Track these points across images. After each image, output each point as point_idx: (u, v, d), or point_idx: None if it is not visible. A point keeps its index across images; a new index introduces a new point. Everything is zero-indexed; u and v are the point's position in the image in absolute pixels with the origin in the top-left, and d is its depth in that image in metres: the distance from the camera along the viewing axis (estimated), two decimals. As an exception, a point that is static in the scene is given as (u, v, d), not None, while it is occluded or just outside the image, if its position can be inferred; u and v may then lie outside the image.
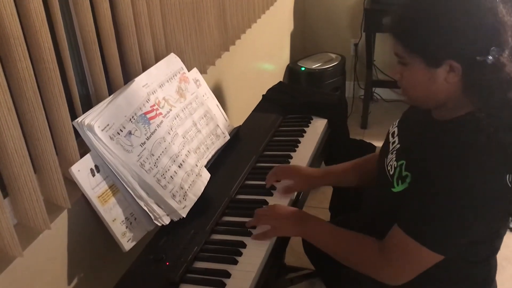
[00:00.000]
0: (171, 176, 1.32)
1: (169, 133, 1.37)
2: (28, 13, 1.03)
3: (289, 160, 1.63)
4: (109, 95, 1.31)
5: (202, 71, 1.80)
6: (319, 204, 2.36)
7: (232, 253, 1.23)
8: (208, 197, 1.42)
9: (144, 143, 1.28)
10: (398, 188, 1.16)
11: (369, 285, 1.22)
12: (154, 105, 1.36)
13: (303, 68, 3.22)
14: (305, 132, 1.80)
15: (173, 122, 1.44)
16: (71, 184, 1.17)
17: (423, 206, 1.09)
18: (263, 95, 2.07)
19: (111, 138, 1.21)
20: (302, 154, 1.67)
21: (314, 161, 1.68)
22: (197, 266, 1.21)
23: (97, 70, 1.29)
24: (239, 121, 1.89)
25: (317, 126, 1.84)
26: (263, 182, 1.50)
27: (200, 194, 1.40)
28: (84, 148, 1.22)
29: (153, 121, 1.32)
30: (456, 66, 1.05)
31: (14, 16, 0.97)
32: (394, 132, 1.34)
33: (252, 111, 1.97)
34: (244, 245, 1.25)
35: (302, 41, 3.66)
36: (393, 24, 1.12)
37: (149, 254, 1.23)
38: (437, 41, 1.05)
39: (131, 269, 1.20)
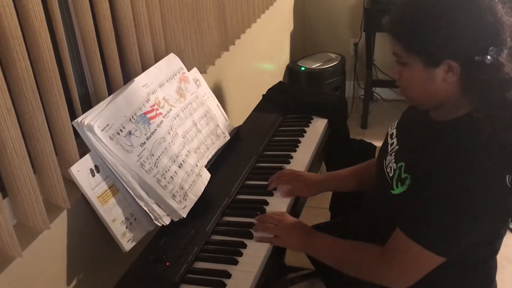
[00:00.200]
0: (171, 176, 1.32)
1: (169, 133, 1.36)
2: (27, 13, 1.02)
3: (289, 160, 1.63)
4: (109, 95, 1.31)
5: (202, 71, 1.80)
6: (319, 204, 2.35)
7: (232, 253, 1.22)
8: (208, 197, 1.42)
9: (144, 143, 1.28)
10: (397, 190, 1.16)
11: (369, 286, 1.22)
12: (154, 105, 1.35)
13: (303, 68, 3.22)
14: (305, 132, 1.79)
15: (173, 122, 1.44)
16: (71, 184, 1.17)
17: (423, 208, 1.09)
18: (263, 95, 2.07)
19: (111, 138, 1.20)
20: (302, 154, 1.67)
21: (314, 161, 1.67)
22: (197, 267, 1.20)
23: (96, 70, 1.29)
24: (239, 121, 1.88)
25: (317, 126, 1.84)
26: (263, 182, 1.50)
27: (200, 194, 1.40)
28: (83, 148, 1.21)
29: (153, 121, 1.32)
30: (455, 66, 1.05)
31: (13, 16, 0.97)
32: (393, 133, 1.33)
33: (252, 111, 1.97)
34: (244, 246, 1.25)
35: (302, 41, 3.66)
36: (391, 24, 1.12)
37: (149, 255, 1.22)
38: (436, 41, 1.05)
39: (131, 270, 1.19)
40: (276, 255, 1.28)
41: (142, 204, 1.26)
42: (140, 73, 1.40)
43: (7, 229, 0.99)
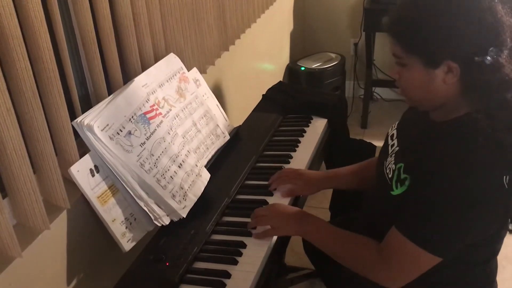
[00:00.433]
0: (171, 176, 1.32)
1: (169, 133, 1.36)
2: (27, 13, 1.02)
3: (289, 160, 1.63)
4: (109, 95, 1.31)
5: (202, 71, 1.80)
6: (319, 204, 2.35)
7: (232, 253, 1.22)
8: (208, 197, 1.42)
9: (144, 143, 1.28)
10: (397, 191, 1.16)
11: (368, 286, 1.22)
12: (153, 105, 1.35)
13: (303, 68, 3.22)
14: (305, 132, 1.79)
15: (173, 122, 1.44)
16: (71, 184, 1.17)
17: (421, 208, 1.09)
18: (263, 95, 2.07)
19: (110, 138, 1.20)
20: (302, 154, 1.67)
21: (314, 161, 1.67)
22: (197, 267, 1.20)
23: (96, 70, 1.29)
24: (239, 121, 1.88)
25: (317, 126, 1.84)
26: (263, 182, 1.50)
27: (200, 194, 1.40)
28: (83, 148, 1.21)
29: (152, 121, 1.32)
30: (454, 66, 1.05)
31: (13, 16, 0.97)
32: (393, 134, 1.33)
33: (252, 111, 1.97)
34: (244, 245, 1.25)
35: (302, 41, 3.66)
36: (391, 24, 1.12)
37: (149, 255, 1.22)
38: (435, 42, 1.04)
39: (131, 270, 1.19)
40: (276, 254, 1.28)
41: (141, 204, 1.26)
42: (140, 73, 1.40)
43: (7, 229, 0.99)
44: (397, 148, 1.26)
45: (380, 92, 3.70)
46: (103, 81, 1.31)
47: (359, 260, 1.21)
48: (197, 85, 1.64)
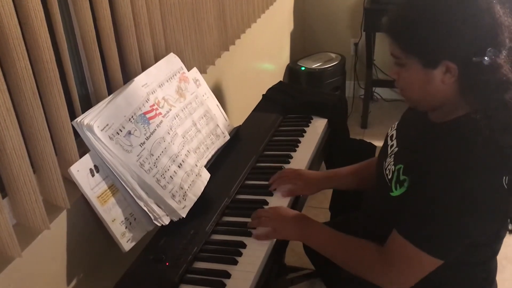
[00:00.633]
0: (170, 176, 1.32)
1: (168, 133, 1.36)
2: (27, 13, 1.02)
3: (289, 160, 1.63)
4: (109, 95, 1.31)
5: (202, 71, 1.80)
6: (319, 204, 2.36)
7: (232, 253, 1.22)
8: (208, 197, 1.42)
9: (144, 143, 1.28)
10: (396, 192, 1.16)
11: (368, 286, 1.22)
12: (153, 105, 1.35)
13: (303, 68, 3.22)
14: (305, 132, 1.79)
15: (172, 122, 1.44)
16: (71, 184, 1.17)
17: (420, 210, 1.09)
18: (263, 95, 2.07)
19: (110, 138, 1.20)
20: (302, 154, 1.67)
21: (314, 161, 1.67)
22: (197, 267, 1.20)
23: (96, 70, 1.29)
24: (239, 121, 1.88)
25: (317, 126, 1.84)
26: (263, 182, 1.50)
27: (200, 194, 1.40)
28: (83, 148, 1.21)
29: (152, 121, 1.32)
30: (453, 67, 1.05)
31: (13, 16, 0.97)
32: (392, 135, 1.33)
33: (252, 111, 1.97)
34: (244, 245, 1.25)
35: (302, 41, 3.66)
36: (389, 24, 1.12)
37: (148, 255, 1.22)
38: (434, 42, 1.04)
39: (131, 270, 1.19)
40: (276, 254, 1.28)
41: (141, 204, 1.26)
42: (140, 73, 1.40)
43: (6, 229, 0.99)
44: (396, 149, 1.26)
45: (380, 92, 3.70)
46: (103, 81, 1.31)
47: (361, 264, 1.21)
48: (197, 85, 1.64)
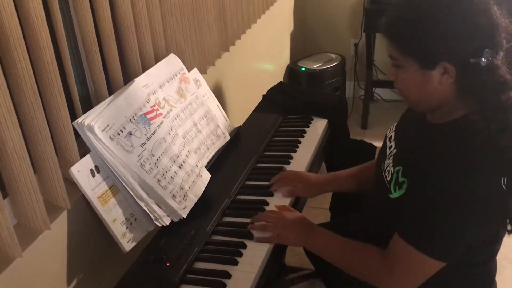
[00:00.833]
0: (171, 177, 1.32)
1: (169, 134, 1.36)
2: (27, 13, 1.02)
3: (290, 160, 1.63)
4: (109, 95, 1.31)
5: (202, 71, 1.80)
6: (320, 204, 2.36)
7: (232, 253, 1.22)
8: (209, 197, 1.42)
9: (144, 143, 1.28)
10: (395, 194, 1.16)
11: (368, 287, 1.22)
12: (154, 106, 1.36)
13: (303, 68, 3.22)
14: (305, 132, 1.79)
15: (173, 122, 1.44)
16: (71, 184, 1.17)
17: (420, 213, 1.09)
18: (263, 95, 2.07)
19: (111, 138, 1.20)
20: (303, 155, 1.67)
21: (315, 161, 1.67)
22: (198, 267, 1.20)
23: (97, 70, 1.29)
24: (239, 121, 1.88)
25: (318, 127, 1.84)
26: (264, 183, 1.50)
27: (200, 194, 1.40)
28: (84, 149, 1.21)
29: (153, 122, 1.32)
30: (450, 68, 1.05)
31: (14, 16, 0.97)
32: (391, 136, 1.33)
33: (253, 111, 1.97)
34: (244, 246, 1.25)
35: (302, 41, 3.66)
36: (387, 26, 1.12)
37: (149, 255, 1.22)
38: (431, 44, 1.04)
39: (131, 270, 1.19)
40: (276, 255, 1.28)
41: (142, 204, 1.26)
42: (140, 74, 1.40)
43: (7, 229, 0.99)
44: (395, 150, 1.26)
45: (381, 92, 3.70)
46: (103, 81, 1.31)
47: (364, 268, 1.21)
48: (198, 85, 1.64)
